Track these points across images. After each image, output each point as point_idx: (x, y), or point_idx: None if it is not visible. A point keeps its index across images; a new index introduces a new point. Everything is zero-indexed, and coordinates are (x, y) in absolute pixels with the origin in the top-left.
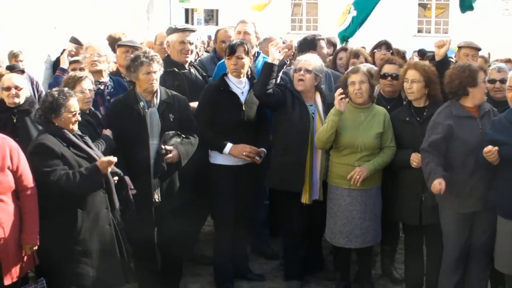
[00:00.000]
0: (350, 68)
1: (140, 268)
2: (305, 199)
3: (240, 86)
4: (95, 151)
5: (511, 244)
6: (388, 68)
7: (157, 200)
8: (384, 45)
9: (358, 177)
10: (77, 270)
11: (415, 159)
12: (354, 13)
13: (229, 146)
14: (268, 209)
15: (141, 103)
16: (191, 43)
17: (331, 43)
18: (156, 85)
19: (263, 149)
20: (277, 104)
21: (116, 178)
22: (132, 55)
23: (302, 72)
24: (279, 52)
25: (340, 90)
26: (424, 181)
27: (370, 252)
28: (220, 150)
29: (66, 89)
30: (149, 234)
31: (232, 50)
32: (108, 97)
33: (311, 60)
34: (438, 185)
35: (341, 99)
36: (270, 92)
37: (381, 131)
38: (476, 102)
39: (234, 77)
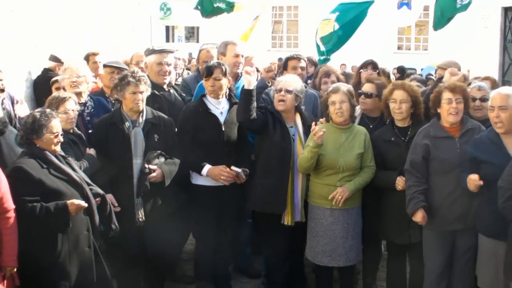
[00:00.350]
0: (330, 88)
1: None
2: (287, 220)
3: (218, 107)
4: (78, 172)
5: (493, 262)
6: (367, 88)
7: (140, 219)
8: (370, 64)
9: (340, 197)
10: None
11: (400, 183)
12: (336, 26)
13: (207, 167)
14: (251, 228)
15: (127, 123)
16: (168, 64)
17: (312, 62)
18: (142, 105)
19: (246, 169)
20: (261, 127)
21: (98, 199)
22: (119, 75)
23: (282, 92)
24: (251, 76)
25: (314, 127)
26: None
27: (352, 271)
28: (198, 171)
29: (48, 110)
30: (133, 253)
31: (209, 71)
32: (88, 118)
33: (291, 81)
34: (419, 218)
35: (316, 133)
36: (253, 117)
37: (362, 151)
38: (445, 122)
39: (212, 98)
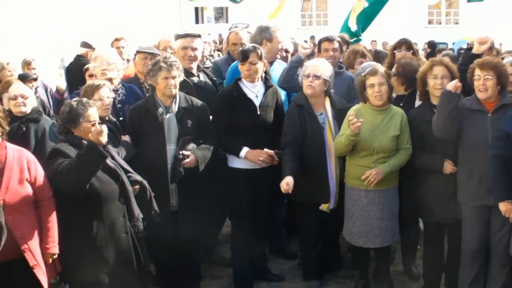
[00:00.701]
0: (368, 69)
1: (161, 274)
2: (325, 207)
3: (254, 90)
4: (117, 160)
5: None
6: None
7: (174, 205)
8: (404, 44)
9: (373, 179)
10: (93, 278)
11: (448, 168)
12: (366, 4)
13: (245, 150)
14: (287, 208)
15: (160, 109)
16: (194, 49)
17: (345, 42)
18: (175, 91)
19: (278, 150)
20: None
21: (137, 186)
22: (152, 61)
23: (310, 78)
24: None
25: (352, 117)
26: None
27: (388, 251)
28: (237, 154)
29: (85, 99)
30: (169, 239)
31: (245, 55)
32: (119, 105)
33: (319, 66)
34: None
35: (354, 123)
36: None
37: (398, 134)
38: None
39: (248, 81)
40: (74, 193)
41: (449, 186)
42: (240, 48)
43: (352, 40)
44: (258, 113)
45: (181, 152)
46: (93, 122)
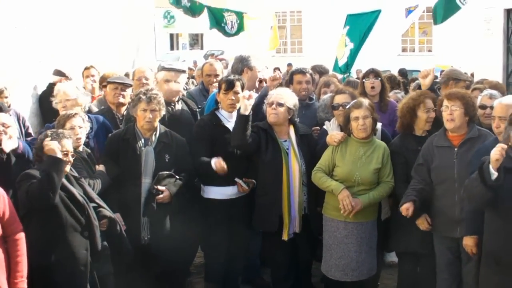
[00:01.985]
0: (352, 102)
1: None
2: (285, 235)
3: (231, 120)
4: (88, 193)
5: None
6: (339, 99)
7: (146, 238)
8: (371, 73)
9: (350, 208)
10: None
11: (424, 225)
12: (351, 45)
13: (214, 159)
14: (261, 239)
15: (140, 141)
16: (176, 83)
17: (316, 71)
18: (154, 124)
19: (252, 180)
20: (255, 149)
21: (104, 221)
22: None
23: (274, 106)
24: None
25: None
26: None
27: (365, 285)
28: (209, 166)
29: (60, 130)
30: (138, 271)
31: (231, 84)
32: (87, 140)
33: (283, 94)
34: (405, 210)
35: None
36: (249, 141)
37: (379, 167)
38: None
39: (228, 112)
40: (43, 204)
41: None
42: (223, 78)
43: (344, 76)
44: None
45: (155, 187)
46: (65, 153)
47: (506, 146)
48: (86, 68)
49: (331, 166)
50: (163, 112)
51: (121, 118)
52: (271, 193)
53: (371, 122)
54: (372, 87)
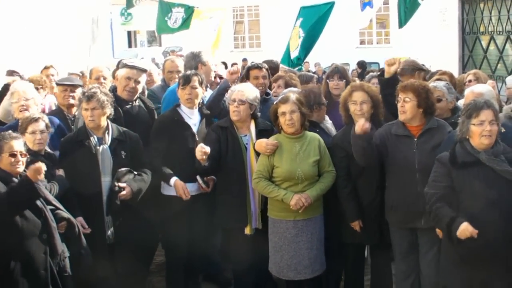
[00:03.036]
0: (279, 97)
1: None
2: (248, 230)
3: (192, 117)
4: (45, 195)
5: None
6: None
7: (111, 237)
8: (336, 74)
9: (302, 204)
10: None
11: (356, 226)
12: (302, 33)
13: (174, 179)
14: (220, 235)
15: (92, 139)
16: (137, 82)
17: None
18: (97, 122)
19: (213, 177)
20: (218, 149)
21: (63, 223)
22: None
23: (236, 103)
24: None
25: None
26: (381, 201)
27: (318, 281)
28: (167, 181)
29: (10, 131)
30: (103, 270)
31: (187, 80)
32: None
33: (244, 90)
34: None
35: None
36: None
37: (318, 158)
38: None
39: (187, 107)
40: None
41: (374, 208)
42: (181, 74)
43: (297, 69)
44: (196, 139)
45: (116, 184)
46: (15, 154)
47: (474, 232)
48: (46, 68)
49: (270, 169)
50: (108, 110)
51: (72, 118)
52: (233, 191)
53: (299, 117)
54: (336, 88)
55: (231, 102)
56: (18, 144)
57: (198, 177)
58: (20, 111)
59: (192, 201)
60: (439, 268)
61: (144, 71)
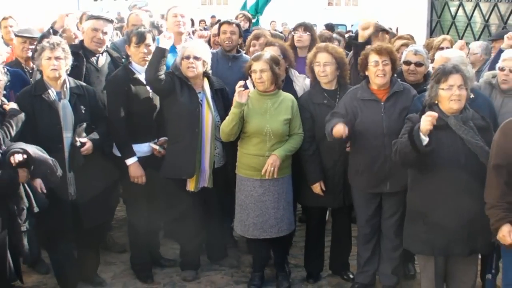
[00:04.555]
0: (254, 55)
1: (55, 259)
2: (191, 186)
3: (143, 74)
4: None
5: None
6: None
7: (72, 194)
8: (301, 26)
9: (272, 168)
10: None
11: (317, 189)
12: None
13: (132, 160)
14: None
15: (51, 92)
16: (104, 33)
17: (247, 18)
18: (61, 73)
19: (165, 138)
20: (168, 90)
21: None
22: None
23: (191, 60)
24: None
25: (240, 83)
26: (344, 165)
27: (285, 241)
28: (124, 156)
29: None
30: (66, 227)
31: (142, 37)
32: (4, 91)
33: (198, 47)
34: (342, 128)
35: (241, 91)
36: (161, 77)
37: (289, 117)
38: (374, 85)
39: (141, 65)
40: None
41: (336, 172)
42: (133, 31)
43: (253, 22)
44: (151, 97)
45: (78, 140)
46: None
47: (436, 115)
48: (4, 19)
49: (240, 123)
50: (70, 61)
51: (30, 71)
52: (184, 139)
53: (269, 76)
54: (299, 41)
55: (184, 59)
56: None
57: (151, 144)
58: None
59: (146, 160)
60: (401, 232)
61: (111, 21)
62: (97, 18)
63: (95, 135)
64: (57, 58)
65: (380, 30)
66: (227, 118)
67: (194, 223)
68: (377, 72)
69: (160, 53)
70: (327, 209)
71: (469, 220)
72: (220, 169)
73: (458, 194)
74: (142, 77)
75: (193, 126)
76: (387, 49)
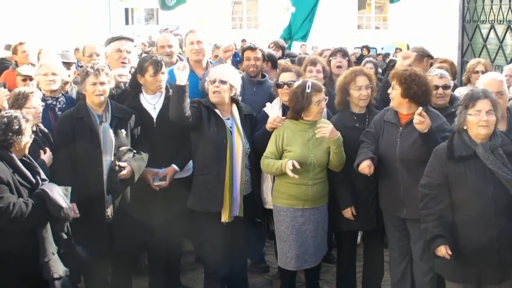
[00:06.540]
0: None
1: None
2: (225, 217)
3: (152, 102)
4: (41, 177)
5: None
6: (284, 77)
7: (110, 216)
8: (339, 52)
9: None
10: None
11: (348, 214)
12: (292, 9)
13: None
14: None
15: (94, 118)
16: (128, 52)
17: (279, 46)
18: (103, 98)
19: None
20: (196, 123)
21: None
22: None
23: (217, 83)
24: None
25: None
26: (377, 187)
27: (318, 266)
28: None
29: (17, 113)
30: (102, 249)
31: (159, 66)
32: (60, 113)
33: (225, 71)
34: (367, 168)
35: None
36: (188, 114)
37: (329, 146)
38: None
39: (155, 93)
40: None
41: (370, 194)
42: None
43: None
44: (155, 125)
45: (117, 164)
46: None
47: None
48: (20, 44)
49: (279, 153)
50: (112, 84)
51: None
52: (213, 171)
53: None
54: (339, 67)
55: (211, 82)
56: (30, 127)
57: (155, 183)
58: (47, 84)
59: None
60: (430, 257)
61: (131, 40)
62: (118, 39)
63: (135, 160)
64: (101, 83)
65: (425, 56)
66: (271, 164)
67: (222, 253)
68: (390, 95)
69: (180, 92)
70: (358, 233)
71: (499, 249)
72: (247, 197)
73: (487, 225)
74: (148, 105)
75: (220, 159)
76: (396, 73)
